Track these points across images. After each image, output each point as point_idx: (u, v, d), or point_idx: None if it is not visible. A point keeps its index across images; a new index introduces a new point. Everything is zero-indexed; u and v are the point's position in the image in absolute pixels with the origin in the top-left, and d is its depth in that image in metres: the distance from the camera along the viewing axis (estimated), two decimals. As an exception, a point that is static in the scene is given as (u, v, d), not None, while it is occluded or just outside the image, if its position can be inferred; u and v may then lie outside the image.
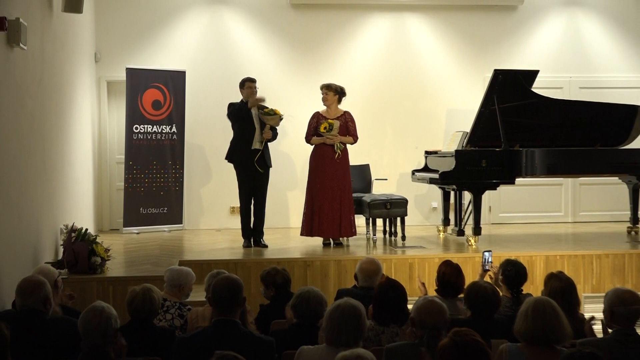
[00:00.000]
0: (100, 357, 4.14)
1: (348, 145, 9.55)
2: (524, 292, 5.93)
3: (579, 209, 12.67)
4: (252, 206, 9.57)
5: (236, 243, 9.69)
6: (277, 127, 9.55)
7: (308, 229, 9.55)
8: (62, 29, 8.59)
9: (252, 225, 9.57)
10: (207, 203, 9.87)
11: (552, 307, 4.39)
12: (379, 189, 11.08)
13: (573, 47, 12.72)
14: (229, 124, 9.48)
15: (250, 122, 9.39)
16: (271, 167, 9.68)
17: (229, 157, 9.63)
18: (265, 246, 9.49)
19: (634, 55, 12.86)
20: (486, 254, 6.85)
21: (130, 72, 11.29)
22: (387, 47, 12.42)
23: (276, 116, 9.32)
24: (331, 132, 9.31)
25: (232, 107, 9.46)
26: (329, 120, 9.35)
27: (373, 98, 12.05)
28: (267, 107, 9.31)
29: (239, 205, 9.85)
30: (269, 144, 9.60)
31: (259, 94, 9.44)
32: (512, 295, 5.90)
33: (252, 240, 9.52)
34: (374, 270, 6.03)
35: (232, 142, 9.59)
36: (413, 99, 12.34)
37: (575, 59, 12.71)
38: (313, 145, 9.53)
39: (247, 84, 9.51)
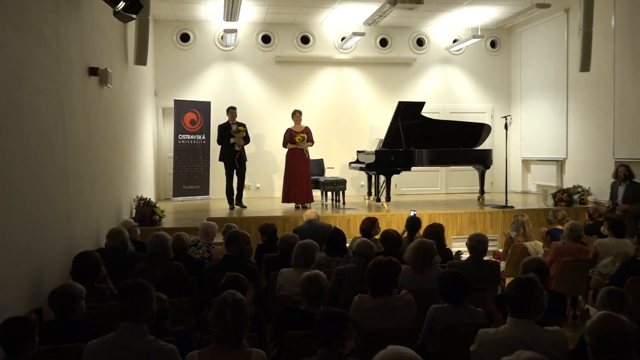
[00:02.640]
0: (159, 260, 4.24)
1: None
2: (417, 236, 6.01)
3: (449, 185, 12.78)
4: (235, 184, 9.76)
5: (241, 207, 9.67)
6: (248, 136, 9.83)
7: (286, 198, 9.62)
8: (133, 75, 8.50)
9: (235, 195, 9.76)
10: (223, 183, 9.86)
11: (423, 245, 4.48)
12: (329, 173, 11.13)
13: (445, 87, 12.82)
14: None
15: (231, 136, 9.62)
16: (247, 161, 9.88)
17: (220, 158, 9.85)
18: (245, 207, 9.67)
19: (481, 92, 12.99)
20: (412, 212, 6.96)
21: (177, 102, 11.23)
22: (334, 87, 12.40)
23: (240, 132, 9.62)
24: (303, 141, 9.48)
25: (220, 128, 9.82)
26: (301, 135, 9.50)
27: (326, 118, 12.03)
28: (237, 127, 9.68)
29: (246, 184, 10.12)
30: (245, 146, 9.82)
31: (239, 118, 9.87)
32: (410, 237, 5.98)
33: (234, 203, 9.69)
34: (311, 214, 6.83)
35: (221, 149, 9.80)
36: (349, 119, 12.34)
37: (447, 94, 12.79)
38: (287, 149, 9.69)
39: (231, 110, 9.81)
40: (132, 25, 7.86)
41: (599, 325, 2.31)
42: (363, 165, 9.98)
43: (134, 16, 6.16)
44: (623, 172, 8.66)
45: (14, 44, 3.75)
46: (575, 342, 3.18)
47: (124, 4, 5.63)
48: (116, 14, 5.88)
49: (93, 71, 5.72)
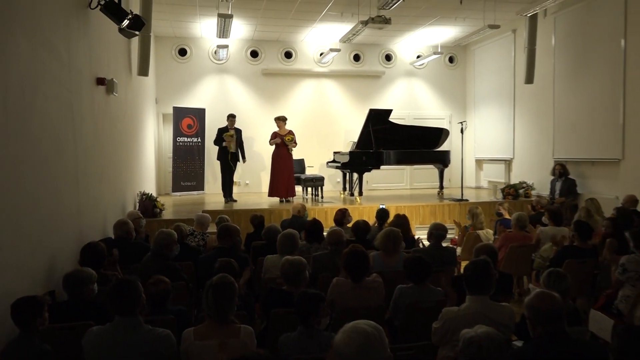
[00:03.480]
0: (163, 256, 4.15)
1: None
2: (385, 225, 6.01)
3: (413, 182, 12.85)
4: (228, 180, 9.65)
5: (231, 201, 9.58)
6: (241, 141, 9.72)
7: (271, 193, 9.56)
8: (137, 85, 8.38)
9: (228, 190, 9.63)
10: (217, 179, 9.80)
11: (393, 232, 4.48)
12: (309, 171, 11.07)
13: (410, 96, 12.88)
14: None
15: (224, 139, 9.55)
16: (239, 161, 9.77)
17: (217, 157, 9.74)
18: (235, 200, 9.54)
19: (440, 101, 13.07)
20: (381, 205, 6.90)
21: (176, 109, 11.09)
22: (314, 97, 12.37)
23: (228, 136, 9.47)
24: (292, 141, 9.47)
25: (219, 132, 9.65)
26: (290, 135, 9.49)
27: (306, 123, 11.98)
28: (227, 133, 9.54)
29: (237, 181, 9.98)
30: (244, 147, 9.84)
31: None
32: (379, 226, 5.99)
33: (228, 197, 9.58)
34: (299, 207, 6.56)
35: (219, 150, 9.64)
36: (327, 124, 12.33)
37: (411, 103, 12.85)
38: (273, 146, 9.58)
39: (230, 118, 9.69)
40: (135, 41, 7.75)
41: (535, 301, 2.36)
42: (339, 164, 9.97)
43: (137, 33, 6.08)
44: (558, 170, 8.83)
45: (29, 56, 3.67)
46: (520, 316, 3.23)
47: (128, 21, 5.55)
48: (121, 30, 5.79)
49: (100, 81, 5.63)
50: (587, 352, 2.23)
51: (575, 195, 8.64)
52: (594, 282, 4.68)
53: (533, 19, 9.35)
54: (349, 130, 12.18)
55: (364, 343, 1.83)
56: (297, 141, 9.70)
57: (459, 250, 6.27)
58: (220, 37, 9.81)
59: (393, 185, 12.57)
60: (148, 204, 7.53)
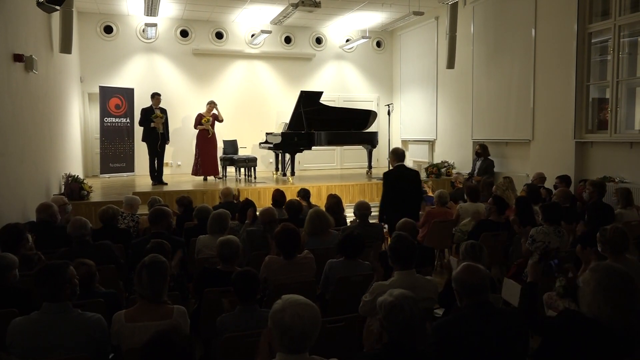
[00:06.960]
0: (83, 242, 3.94)
1: (219, 124, 9.87)
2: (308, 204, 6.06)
3: (343, 162, 13.01)
4: (155, 163, 9.32)
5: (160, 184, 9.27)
6: (166, 120, 9.40)
7: (195, 172, 9.71)
8: (59, 62, 7.87)
9: (156, 173, 9.31)
10: (146, 160, 9.45)
11: (320, 212, 4.53)
12: (242, 152, 10.92)
13: (340, 79, 12.95)
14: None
15: (151, 120, 9.18)
16: (168, 143, 9.57)
17: (143, 138, 9.41)
18: (165, 183, 9.21)
19: (368, 84, 13.25)
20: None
21: (102, 88, 10.52)
22: (245, 78, 12.13)
23: (158, 117, 9.16)
24: (208, 123, 9.58)
25: (143, 112, 9.27)
26: (207, 117, 9.60)
27: (238, 104, 11.78)
28: (155, 114, 9.18)
29: (168, 162, 9.84)
30: (169, 127, 9.61)
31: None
32: (308, 205, 6.03)
33: (157, 180, 9.26)
34: (227, 192, 6.34)
35: (144, 131, 9.30)
36: (259, 105, 12.17)
37: (341, 85, 12.93)
38: (197, 130, 9.73)
39: (156, 96, 9.35)
40: (56, 16, 7.25)
41: (462, 274, 2.46)
42: (271, 145, 9.91)
43: (57, 7, 5.69)
44: (477, 151, 9.25)
45: None
46: (442, 285, 3.38)
47: (47, -5, 5.17)
48: (40, 4, 5.39)
49: (18, 58, 5.22)
50: (505, 319, 2.38)
51: (491, 174, 9.10)
52: (506, 252, 4.96)
53: (454, 8, 9.63)
54: (280, 111, 12.09)
55: (312, 314, 1.91)
56: (223, 118, 9.87)
57: (386, 226, 6.42)
58: (148, 15, 9.37)
59: (324, 166, 12.67)
60: (74, 186, 7.14)
